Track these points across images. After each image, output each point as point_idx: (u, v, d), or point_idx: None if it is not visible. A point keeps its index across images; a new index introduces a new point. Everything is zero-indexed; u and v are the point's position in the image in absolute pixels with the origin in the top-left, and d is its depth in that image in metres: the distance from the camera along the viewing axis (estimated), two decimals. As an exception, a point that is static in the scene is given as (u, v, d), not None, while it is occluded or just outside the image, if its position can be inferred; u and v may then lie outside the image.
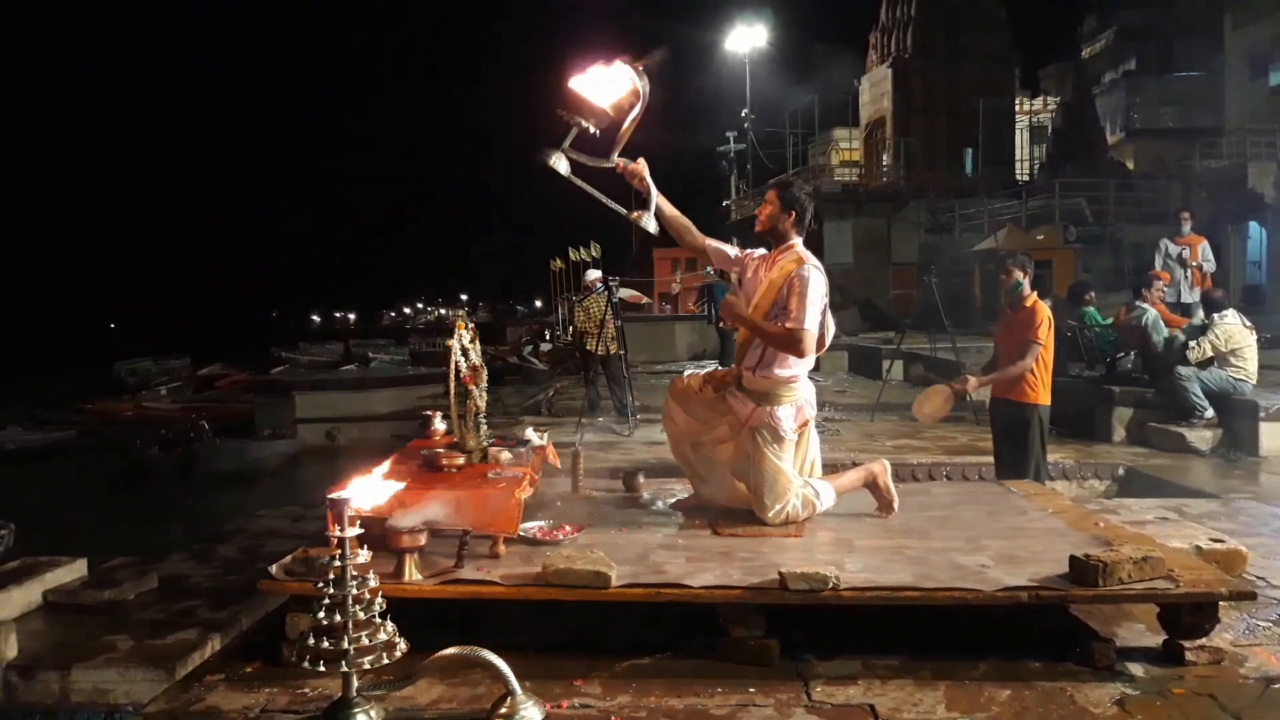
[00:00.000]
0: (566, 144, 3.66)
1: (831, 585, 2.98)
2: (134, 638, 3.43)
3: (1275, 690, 2.87)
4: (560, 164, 3.62)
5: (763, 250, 4.00)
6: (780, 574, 3.02)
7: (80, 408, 20.49)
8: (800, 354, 3.75)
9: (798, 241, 3.90)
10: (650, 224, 3.81)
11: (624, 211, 3.88)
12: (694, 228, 4.05)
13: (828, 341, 3.90)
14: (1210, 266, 10.54)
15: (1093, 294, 9.56)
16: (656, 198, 3.83)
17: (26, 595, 3.78)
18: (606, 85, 3.61)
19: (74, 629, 3.57)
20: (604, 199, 3.86)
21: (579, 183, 3.74)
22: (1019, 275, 5.41)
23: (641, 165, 3.79)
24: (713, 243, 4.11)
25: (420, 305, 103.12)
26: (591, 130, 3.66)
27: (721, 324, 3.94)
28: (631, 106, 3.63)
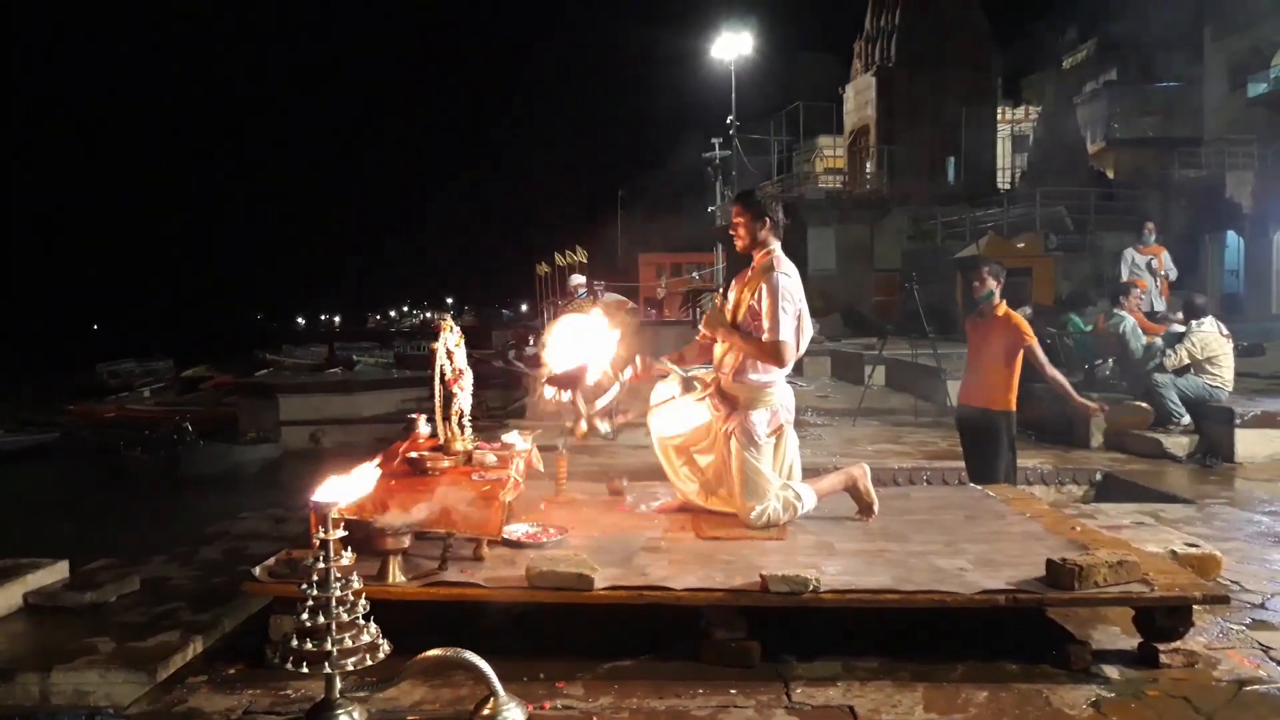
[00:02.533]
0: (586, 412, 4.03)
1: (812, 588, 3.02)
2: (115, 640, 3.41)
3: (1248, 693, 2.92)
4: (602, 428, 4.10)
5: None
6: (762, 576, 3.06)
7: (63, 409, 20.31)
8: (779, 364, 3.82)
9: (776, 246, 3.96)
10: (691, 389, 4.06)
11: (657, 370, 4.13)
12: (694, 350, 4.26)
13: (803, 346, 3.95)
14: (1173, 275, 10.64)
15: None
16: (674, 367, 4.07)
17: (7, 597, 3.75)
18: (583, 346, 4.02)
19: (55, 631, 3.55)
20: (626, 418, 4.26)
21: (623, 423, 4.11)
22: (992, 284, 5.49)
23: (649, 361, 4.09)
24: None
25: (405, 308, 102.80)
26: (620, 380, 4.03)
27: (703, 335, 4.05)
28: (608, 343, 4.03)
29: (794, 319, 3.81)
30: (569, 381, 3.95)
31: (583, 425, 4.03)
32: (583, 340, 4.06)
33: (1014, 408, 5.42)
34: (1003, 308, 5.47)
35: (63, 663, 3.18)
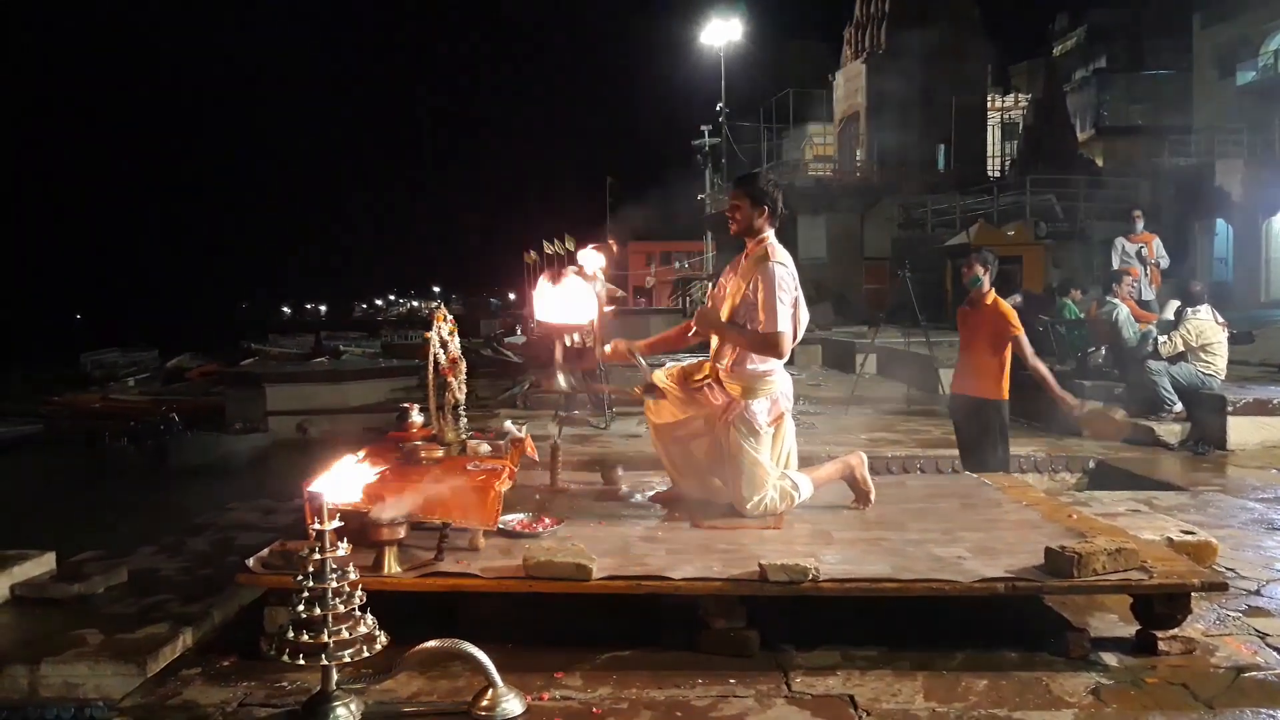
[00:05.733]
0: (559, 359, 3.93)
1: (811, 577, 3.00)
2: (104, 632, 3.38)
3: (1245, 679, 2.92)
4: (562, 381, 3.97)
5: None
6: (760, 566, 3.04)
7: (46, 399, 20.14)
8: (776, 355, 3.78)
9: (769, 234, 3.90)
10: (659, 378, 4.00)
11: (637, 392, 4.06)
12: (676, 332, 4.25)
13: (800, 334, 3.92)
14: (1165, 263, 10.65)
15: (1075, 291, 9.71)
16: (643, 361, 3.99)
17: (-6, 589, 3.71)
18: (566, 300, 3.95)
19: (42, 623, 3.51)
20: (610, 391, 4.14)
21: (584, 388, 4.01)
22: (979, 270, 5.48)
23: (620, 345, 3.99)
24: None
25: (392, 297, 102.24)
26: (577, 340, 3.92)
27: (695, 334, 4.01)
28: (592, 305, 3.93)
29: (789, 308, 3.77)
30: (554, 335, 3.93)
31: (560, 382, 3.98)
32: (566, 300, 4.01)
33: (1006, 396, 5.42)
34: (991, 296, 5.46)
35: (51, 655, 3.14)
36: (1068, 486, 6.81)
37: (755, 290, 3.75)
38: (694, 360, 4.12)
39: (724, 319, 3.87)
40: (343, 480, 2.56)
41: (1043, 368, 5.50)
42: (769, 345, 3.74)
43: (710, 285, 4.57)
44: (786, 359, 3.91)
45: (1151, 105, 30.48)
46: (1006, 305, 5.47)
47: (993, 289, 5.52)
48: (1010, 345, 5.35)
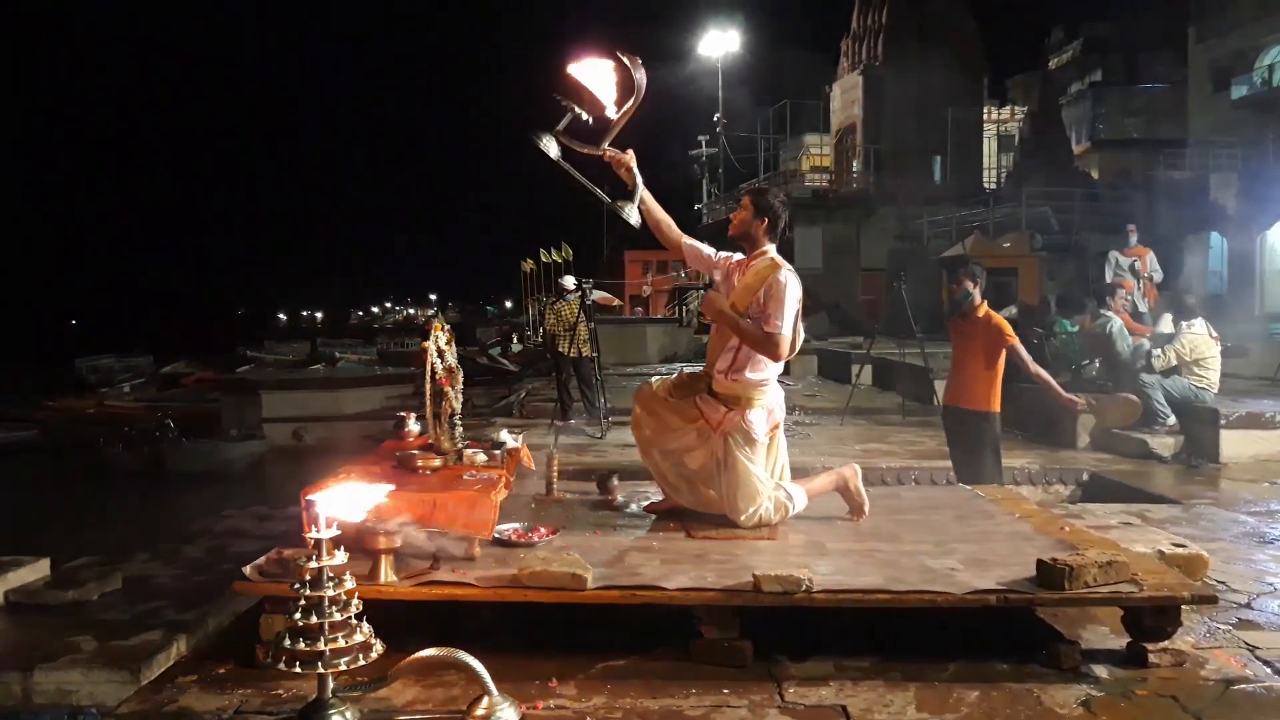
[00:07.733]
0: (560, 128, 3.63)
1: (805, 588, 3.01)
2: (98, 639, 3.39)
3: (1234, 692, 2.93)
4: (551, 147, 3.61)
5: (739, 255, 4.01)
6: (754, 576, 3.05)
7: (41, 405, 20.11)
8: (776, 356, 3.79)
9: (771, 248, 3.92)
10: (633, 215, 3.81)
11: (608, 200, 3.86)
12: (674, 224, 4.06)
13: (798, 347, 3.94)
14: (1159, 276, 10.67)
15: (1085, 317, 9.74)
16: (641, 190, 3.82)
17: (-12, 595, 3.71)
18: (604, 75, 3.65)
19: (36, 629, 3.51)
20: (589, 184, 3.84)
21: (567, 167, 3.72)
22: (969, 285, 5.50)
23: (629, 156, 3.79)
24: (689, 241, 4.13)
25: (389, 305, 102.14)
26: (585, 117, 3.65)
27: (701, 319, 3.96)
28: (627, 98, 3.64)
29: (793, 317, 3.80)
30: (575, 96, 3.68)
31: (546, 144, 3.61)
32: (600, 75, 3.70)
33: (997, 408, 5.43)
34: (983, 309, 5.48)
35: (45, 662, 3.15)
36: (1060, 498, 6.84)
37: (765, 295, 3.76)
38: (688, 371, 4.12)
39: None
40: (343, 495, 2.58)
41: (1044, 373, 5.48)
42: (769, 343, 3.75)
43: (705, 290, 4.37)
44: (781, 368, 3.93)
45: (1146, 118, 30.68)
46: (999, 317, 5.48)
47: (984, 301, 5.54)
48: (1003, 357, 5.36)
